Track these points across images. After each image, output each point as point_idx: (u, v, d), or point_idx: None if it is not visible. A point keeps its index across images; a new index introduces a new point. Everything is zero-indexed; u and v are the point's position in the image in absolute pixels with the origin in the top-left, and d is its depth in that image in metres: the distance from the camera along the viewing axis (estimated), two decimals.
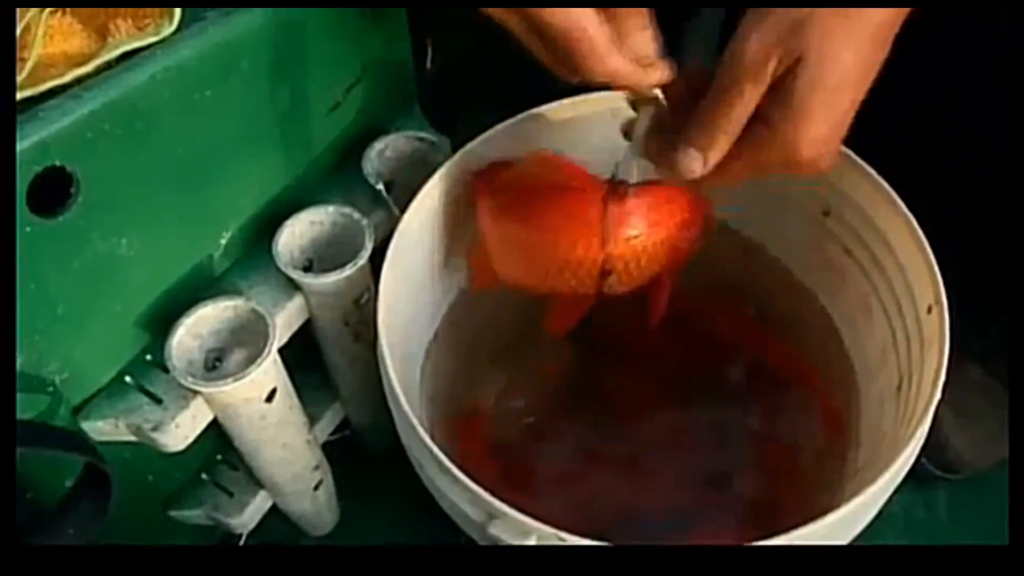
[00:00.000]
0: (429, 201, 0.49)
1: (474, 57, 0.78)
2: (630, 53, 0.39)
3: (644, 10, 0.40)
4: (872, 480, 0.38)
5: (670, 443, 0.52)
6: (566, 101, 0.52)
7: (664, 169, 0.42)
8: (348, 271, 0.47)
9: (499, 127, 0.51)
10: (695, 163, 0.40)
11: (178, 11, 0.43)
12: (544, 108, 0.52)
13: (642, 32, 0.40)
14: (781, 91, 0.38)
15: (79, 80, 0.39)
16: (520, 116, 0.51)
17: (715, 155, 0.40)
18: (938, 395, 0.40)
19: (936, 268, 0.44)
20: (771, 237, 0.57)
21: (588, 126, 0.52)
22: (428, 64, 0.71)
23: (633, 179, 0.44)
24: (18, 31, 0.40)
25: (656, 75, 0.41)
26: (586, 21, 0.37)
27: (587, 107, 0.52)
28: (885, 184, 0.48)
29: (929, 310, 0.44)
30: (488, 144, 0.51)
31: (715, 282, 0.57)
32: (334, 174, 0.55)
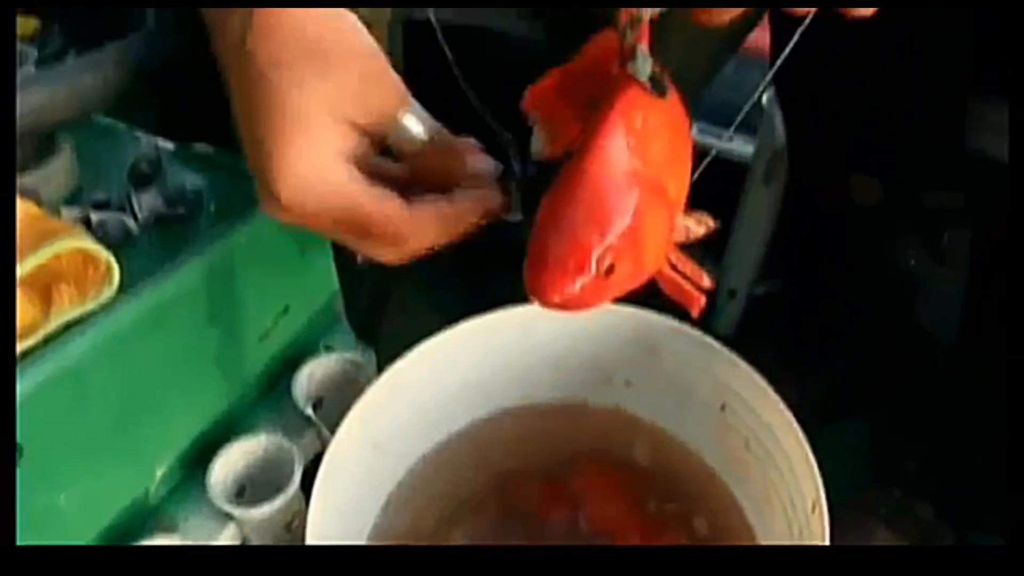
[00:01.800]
0: (355, 427, 0.52)
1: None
2: None
3: None
4: None
5: None
6: (498, 314, 0.55)
7: None
8: (278, 502, 0.49)
9: (427, 343, 0.53)
10: None
11: (117, 276, 0.46)
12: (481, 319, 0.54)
13: None
14: None
15: (26, 353, 0.42)
16: (453, 329, 0.54)
17: None
18: None
19: (816, 469, 0.49)
20: (684, 428, 0.60)
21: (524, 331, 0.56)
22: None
23: None
24: None
25: None
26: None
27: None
28: (769, 388, 0.53)
29: (813, 508, 0.48)
30: (416, 361, 0.53)
31: (624, 470, 0.61)
32: (266, 397, 0.58)
